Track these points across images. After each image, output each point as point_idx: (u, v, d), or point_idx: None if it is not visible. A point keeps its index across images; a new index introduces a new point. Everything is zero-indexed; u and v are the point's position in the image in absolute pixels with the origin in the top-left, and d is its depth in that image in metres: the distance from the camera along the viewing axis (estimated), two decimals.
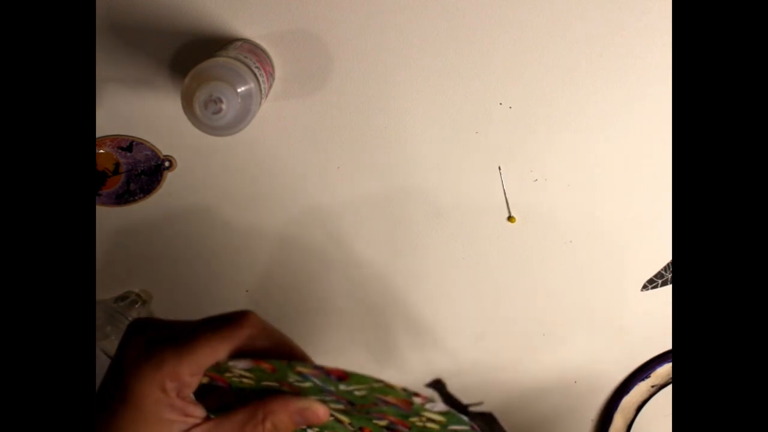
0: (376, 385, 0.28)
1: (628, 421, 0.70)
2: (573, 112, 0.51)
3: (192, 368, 0.29)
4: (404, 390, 0.28)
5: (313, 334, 0.66)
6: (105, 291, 0.62)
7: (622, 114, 0.52)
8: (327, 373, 0.28)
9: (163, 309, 0.64)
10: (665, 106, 0.51)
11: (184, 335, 0.29)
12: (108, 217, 0.57)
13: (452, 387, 0.70)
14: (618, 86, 0.50)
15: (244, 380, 0.30)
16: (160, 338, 0.29)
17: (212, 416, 0.30)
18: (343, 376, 0.28)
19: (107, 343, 0.64)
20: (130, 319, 0.60)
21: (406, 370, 0.69)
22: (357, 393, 0.29)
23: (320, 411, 0.31)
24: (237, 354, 0.29)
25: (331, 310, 0.64)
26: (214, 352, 0.29)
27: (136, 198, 0.56)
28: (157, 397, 0.28)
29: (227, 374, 0.30)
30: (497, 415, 0.72)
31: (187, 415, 0.29)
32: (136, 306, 0.61)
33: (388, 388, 0.28)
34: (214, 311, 0.60)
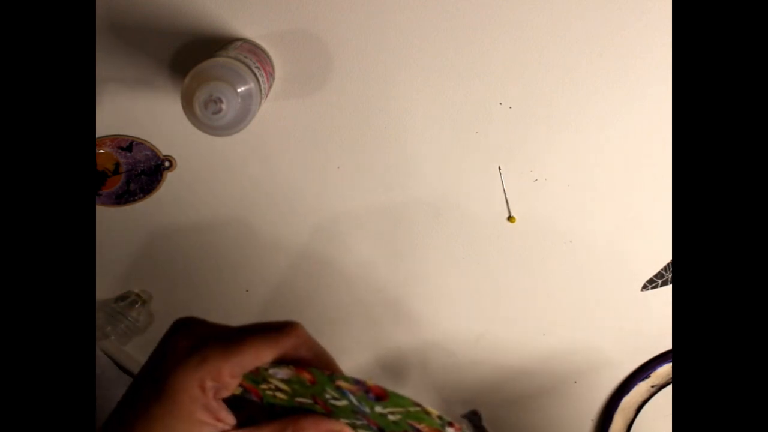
0: (412, 409, 0.28)
1: (628, 421, 0.70)
2: (573, 112, 0.51)
3: (234, 369, 0.29)
4: (440, 418, 0.28)
5: (313, 334, 0.66)
6: (105, 291, 0.62)
7: (622, 114, 0.52)
8: (367, 390, 0.28)
9: (163, 309, 0.64)
10: (665, 106, 0.51)
11: (231, 336, 0.29)
12: (108, 217, 0.57)
13: (452, 387, 0.70)
14: (618, 86, 0.50)
15: (278, 394, 0.30)
16: (206, 335, 0.29)
17: (241, 428, 0.30)
18: (382, 395, 0.28)
19: (107, 343, 0.64)
20: (130, 319, 0.60)
21: (406, 371, 0.69)
22: (391, 417, 0.29)
23: (346, 430, 0.31)
24: (278, 361, 0.30)
25: (330, 309, 0.64)
26: (259, 355, 0.29)
27: (136, 198, 0.56)
28: (194, 394, 0.28)
29: (263, 386, 0.30)
30: (497, 415, 0.72)
31: (218, 419, 0.29)
32: (136, 306, 0.61)
33: (424, 413, 0.28)
34: (213, 311, 0.60)
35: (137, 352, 0.67)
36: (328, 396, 0.30)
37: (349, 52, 0.48)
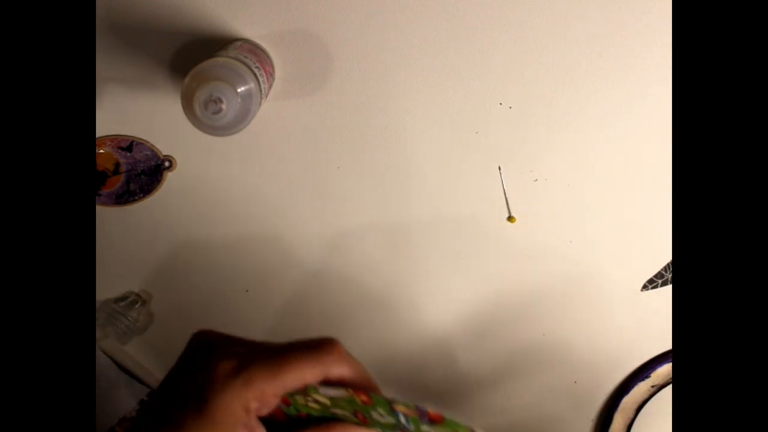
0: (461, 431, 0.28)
1: (628, 421, 0.70)
2: (573, 112, 0.51)
3: (278, 390, 0.29)
4: None
5: (313, 332, 0.66)
6: (105, 291, 0.62)
7: (622, 114, 0.52)
8: (423, 414, 0.28)
9: (163, 309, 0.64)
10: (665, 106, 0.51)
11: (273, 355, 0.29)
12: (108, 217, 0.57)
13: (452, 387, 0.70)
14: (618, 86, 0.50)
15: (312, 405, 0.31)
16: (249, 355, 0.29)
17: None
18: (439, 420, 0.28)
19: (107, 343, 0.64)
20: (130, 319, 0.60)
21: (405, 370, 0.69)
22: None
23: None
24: (328, 382, 0.30)
25: (330, 309, 0.64)
26: (303, 375, 0.29)
27: (136, 198, 0.56)
28: (238, 415, 0.28)
29: (297, 396, 0.30)
30: (498, 414, 0.72)
31: None
32: (136, 306, 0.61)
33: None
34: (213, 311, 0.60)
35: (137, 352, 0.67)
36: (374, 413, 0.30)
37: (349, 52, 0.48)
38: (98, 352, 0.63)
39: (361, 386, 0.30)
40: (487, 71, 0.49)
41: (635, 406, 0.69)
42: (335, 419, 0.31)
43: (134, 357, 0.67)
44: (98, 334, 0.59)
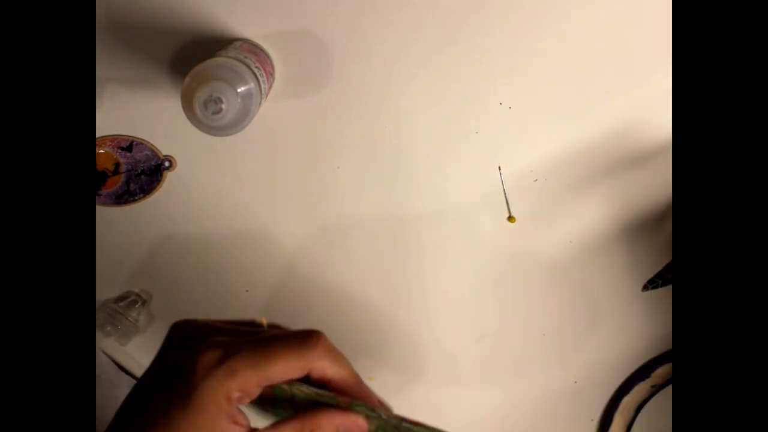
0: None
1: (628, 421, 0.70)
2: (573, 111, 0.51)
3: (261, 381, 0.29)
4: None
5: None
6: (105, 291, 0.62)
7: (622, 114, 0.52)
8: (407, 420, 0.30)
9: (163, 309, 0.64)
10: (666, 105, 0.51)
11: (257, 346, 0.30)
12: (108, 217, 0.57)
13: (452, 386, 0.70)
14: (618, 86, 0.50)
15: (295, 389, 0.31)
16: (233, 345, 0.30)
17: (256, 429, 0.31)
18: (418, 424, 0.30)
19: (107, 343, 0.64)
20: (130, 319, 0.60)
21: (405, 369, 0.69)
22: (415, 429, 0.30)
23: (360, 421, 0.31)
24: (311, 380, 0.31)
25: (329, 309, 0.64)
26: (288, 370, 0.30)
27: (136, 198, 0.56)
28: (221, 405, 0.28)
29: (281, 385, 0.31)
30: (497, 414, 0.72)
31: (236, 422, 0.30)
32: (136, 306, 0.61)
33: None
34: (213, 311, 0.60)
35: (137, 352, 0.67)
36: (359, 409, 0.31)
37: (349, 53, 0.48)
38: (98, 352, 0.63)
39: (344, 384, 0.31)
40: (487, 71, 0.49)
41: (635, 406, 0.69)
42: (320, 404, 0.31)
43: (134, 357, 0.67)
44: (98, 334, 0.59)
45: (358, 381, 0.32)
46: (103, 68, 0.48)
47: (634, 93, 0.51)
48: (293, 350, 0.30)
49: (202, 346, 0.30)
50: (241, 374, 0.28)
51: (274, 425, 0.30)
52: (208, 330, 0.31)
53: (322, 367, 0.30)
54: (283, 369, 0.29)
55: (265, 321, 0.34)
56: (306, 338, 0.30)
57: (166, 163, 0.54)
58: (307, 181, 0.56)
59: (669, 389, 0.68)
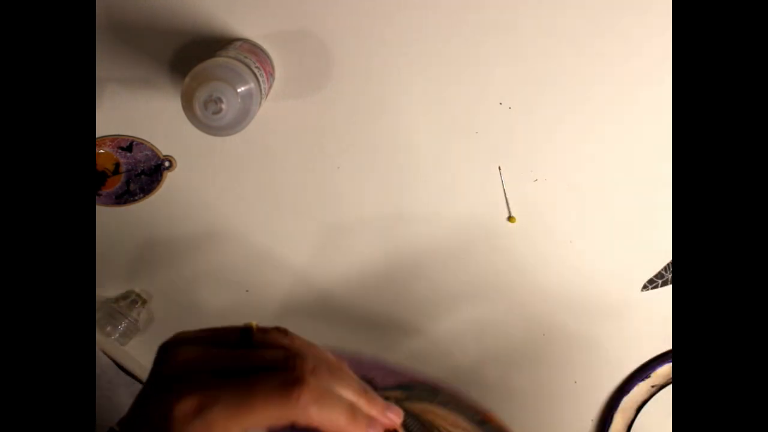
0: None
1: (628, 421, 0.70)
2: (573, 111, 0.51)
3: (239, 431, 0.28)
4: None
5: (314, 332, 0.66)
6: (105, 291, 0.62)
7: (622, 114, 0.52)
8: None
9: (163, 309, 0.64)
10: (665, 106, 0.51)
11: (237, 391, 0.28)
12: (108, 217, 0.57)
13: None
14: (618, 86, 0.50)
15: None
16: (211, 393, 0.28)
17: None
18: None
19: (107, 343, 0.64)
20: (130, 319, 0.60)
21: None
22: None
23: None
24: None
25: (329, 309, 0.64)
26: (269, 421, 0.28)
27: (136, 198, 0.56)
28: None
29: None
30: (497, 414, 0.72)
31: None
32: (136, 306, 0.61)
33: None
34: (213, 311, 0.59)
35: (137, 352, 0.67)
36: None
37: (349, 53, 0.48)
38: (98, 352, 0.63)
39: (334, 428, 0.29)
40: (487, 71, 0.49)
41: (635, 406, 0.69)
42: None
43: (134, 357, 0.67)
44: (98, 334, 0.59)
45: (351, 419, 0.30)
46: (103, 68, 0.48)
47: (634, 93, 0.50)
48: (274, 402, 0.28)
49: (177, 393, 0.28)
50: (217, 427, 0.27)
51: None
52: (189, 364, 0.30)
53: (308, 417, 0.29)
54: (264, 420, 0.28)
55: (255, 324, 0.33)
56: (289, 389, 0.28)
57: (166, 163, 0.54)
58: (307, 181, 0.56)
59: (669, 389, 0.68)
